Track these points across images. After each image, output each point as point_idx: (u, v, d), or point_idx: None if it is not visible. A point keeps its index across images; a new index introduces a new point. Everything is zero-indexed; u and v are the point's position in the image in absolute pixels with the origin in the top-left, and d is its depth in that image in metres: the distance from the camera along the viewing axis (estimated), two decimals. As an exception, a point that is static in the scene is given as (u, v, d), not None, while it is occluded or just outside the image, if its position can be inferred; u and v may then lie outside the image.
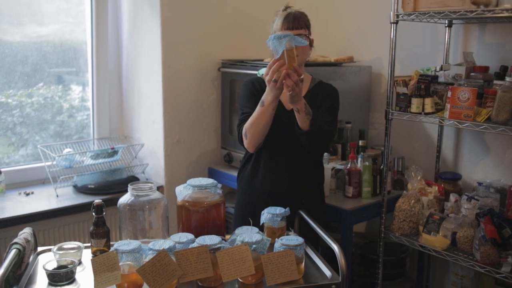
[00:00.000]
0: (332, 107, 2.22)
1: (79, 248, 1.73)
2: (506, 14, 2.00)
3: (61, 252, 1.70)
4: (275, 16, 2.19)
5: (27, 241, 1.69)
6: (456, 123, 2.20)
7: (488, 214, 2.15)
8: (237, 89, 3.08)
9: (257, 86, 2.24)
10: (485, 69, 2.39)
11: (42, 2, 2.97)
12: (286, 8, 2.19)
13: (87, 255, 1.77)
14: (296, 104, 1.97)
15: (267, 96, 2.02)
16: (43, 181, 2.94)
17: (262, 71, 2.57)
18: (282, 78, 1.89)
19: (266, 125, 2.08)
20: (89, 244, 1.81)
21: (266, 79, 1.96)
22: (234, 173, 2.72)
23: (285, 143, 2.16)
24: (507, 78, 2.09)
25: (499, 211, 2.29)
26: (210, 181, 1.86)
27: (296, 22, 2.12)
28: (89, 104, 3.22)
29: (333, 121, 2.21)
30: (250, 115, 2.13)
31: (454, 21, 2.61)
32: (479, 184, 2.47)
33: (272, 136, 2.15)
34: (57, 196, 2.77)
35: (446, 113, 2.22)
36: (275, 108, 2.04)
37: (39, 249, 1.84)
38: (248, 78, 2.36)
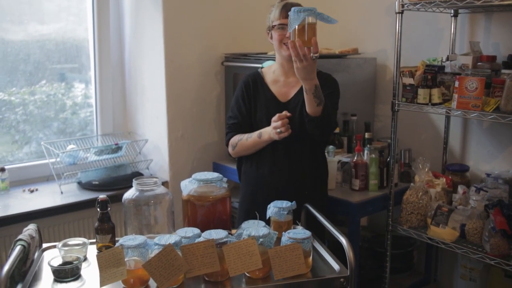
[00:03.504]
0: (332, 94, 2.17)
1: (84, 244, 1.72)
2: (514, 2, 1.97)
3: (66, 248, 1.68)
4: (271, 7, 2.18)
5: (32, 237, 1.67)
6: (464, 113, 2.17)
7: (498, 205, 2.12)
8: (241, 83, 3.06)
9: (250, 86, 2.24)
10: (492, 58, 2.36)
11: (44, 0, 2.95)
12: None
13: (92, 251, 1.75)
14: (305, 81, 1.91)
15: (266, 134, 2.10)
16: (47, 178, 2.93)
17: (266, 64, 2.56)
18: (286, 134, 1.97)
19: (255, 151, 2.19)
20: (94, 240, 1.80)
21: (273, 125, 2.02)
22: (239, 168, 2.71)
23: (286, 138, 2.13)
24: (515, 67, 2.06)
25: (509, 202, 2.25)
26: (215, 175, 1.84)
27: None
28: (92, 101, 3.20)
29: (335, 110, 2.18)
30: (237, 124, 2.22)
31: (460, 11, 2.57)
32: (488, 175, 2.44)
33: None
34: (62, 192, 2.76)
35: (454, 104, 2.19)
36: (269, 142, 2.12)
37: (44, 245, 1.82)
38: (248, 73, 2.34)
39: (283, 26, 2.10)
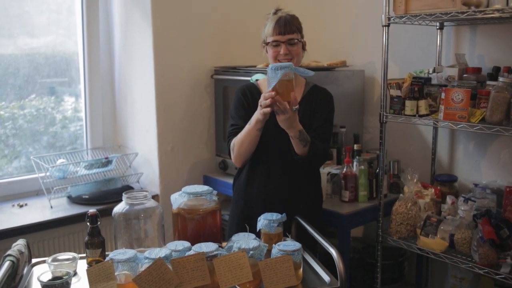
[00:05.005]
0: (327, 118, 2.21)
1: (74, 259, 1.71)
2: (497, 15, 2.01)
3: (55, 263, 1.67)
4: (266, 20, 2.19)
5: (21, 252, 1.66)
6: (450, 124, 2.20)
7: (486, 215, 2.14)
8: (230, 95, 3.07)
9: (248, 95, 2.23)
10: (478, 70, 2.40)
11: (33, 14, 2.96)
12: (277, 11, 2.18)
13: (82, 266, 1.74)
14: (289, 130, 2.00)
15: (254, 116, 2.05)
16: (36, 193, 2.92)
17: (256, 77, 2.58)
18: (267, 105, 1.91)
19: (251, 144, 2.12)
20: (84, 255, 1.79)
21: (260, 103, 1.97)
22: (229, 181, 2.71)
23: (281, 149, 2.15)
24: (500, 79, 2.10)
25: (496, 212, 2.28)
26: (205, 188, 1.85)
27: (288, 26, 2.11)
28: (82, 114, 3.20)
29: (329, 133, 2.22)
30: (238, 128, 2.17)
31: (445, 23, 2.62)
32: (475, 185, 2.46)
33: (267, 142, 2.14)
34: (51, 207, 2.74)
35: (441, 115, 2.22)
36: (261, 130, 2.06)
37: (33, 260, 1.81)
38: (241, 84, 2.35)
39: (277, 43, 2.12)
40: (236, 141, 2.16)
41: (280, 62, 2.11)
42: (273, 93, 1.88)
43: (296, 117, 1.97)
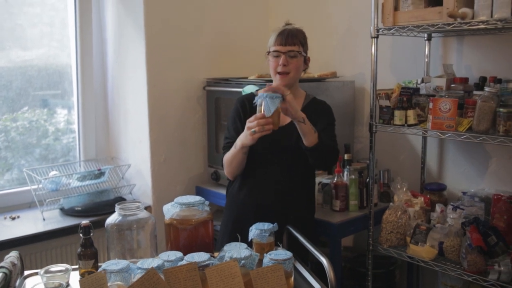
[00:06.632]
0: (330, 126, 2.24)
1: (66, 271, 1.72)
2: (482, 26, 2.06)
3: (48, 275, 1.68)
4: (272, 32, 2.22)
5: (14, 264, 1.67)
6: (438, 133, 2.24)
7: (474, 223, 2.18)
8: (222, 107, 3.10)
9: (247, 105, 2.24)
10: (465, 80, 2.44)
11: (26, 26, 2.98)
12: (286, 25, 2.21)
13: (75, 277, 1.75)
14: (294, 116, 1.99)
15: (239, 140, 2.07)
16: (29, 205, 2.92)
17: (247, 89, 2.61)
18: (260, 135, 1.94)
19: (238, 163, 2.15)
20: (77, 266, 1.80)
21: (248, 125, 1.98)
22: (222, 191, 2.73)
23: (275, 159, 2.17)
24: (486, 89, 2.14)
25: (484, 219, 2.32)
26: (197, 198, 1.87)
27: (290, 38, 2.13)
28: (74, 126, 3.21)
29: (331, 136, 2.23)
30: (231, 144, 2.18)
31: (433, 35, 2.67)
32: (464, 193, 2.50)
33: (261, 153, 2.16)
34: (44, 219, 2.75)
35: (429, 124, 2.26)
36: (247, 152, 2.09)
37: (26, 272, 1.82)
38: (239, 96, 2.38)
39: (278, 54, 2.14)
40: (225, 160, 2.20)
41: (279, 73, 2.15)
42: (270, 119, 1.93)
43: (295, 105, 2.00)
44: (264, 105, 1.94)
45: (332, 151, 2.17)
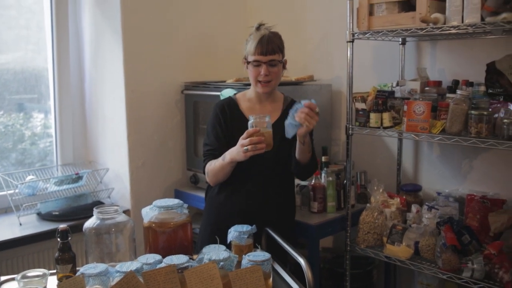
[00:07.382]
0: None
1: (44, 275, 1.70)
2: (453, 31, 2.11)
3: (25, 280, 1.67)
4: (248, 36, 2.19)
5: (-10, 270, 1.65)
6: (413, 135, 2.29)
7: (448, 222, 2.23)
8: (201, 110, 3.11)
9: (226, 110, 2.23)
10: (438, 83, 2.50)
11: (1, 29, 2.95)
12: (260, 26, 2.17)
13: (53, 282, 1.74)
14: (303, 139, 2.09)
15: (230, 154, 2.06)
16: (5, 210, 2.88)
17: (226, 92, 2.63)
18: (252, 153, 1.97)
19: (224, 176, 2.16)
20: (54, 271, 1.79)
21: (241, 142, 1.98)
22: (201, 194, 2.74)
23: (256, 163, 2.17)
24: (458, 91, 2.20)
25: (459, 219, 2.37)
26: (176, 201, 1.87)
27: (270, 46, 2.12)
28: (51, 131, 3.18)
29: (312, 143, 2.28)
30: (212, 151, 2.19)
31: (407, 39, 2.72)
32: (438, 194, 2.56)
33: (241, 162, 2.16)
34: (20, 224, 2.71)
35: (403, 127, 2.31)
36: (234, 166, 2.10)
37: (2, 278, 1.80)
38: (217, 99, 2.38)
39: (258, 63, 2.14)
40: (209, 171, 2.18)
41: (260, 82, 2.16)
42: (262, 137, 1.96)
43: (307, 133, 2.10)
44: (286, 125, 2.03)
45: (315, 166, 2.30)
